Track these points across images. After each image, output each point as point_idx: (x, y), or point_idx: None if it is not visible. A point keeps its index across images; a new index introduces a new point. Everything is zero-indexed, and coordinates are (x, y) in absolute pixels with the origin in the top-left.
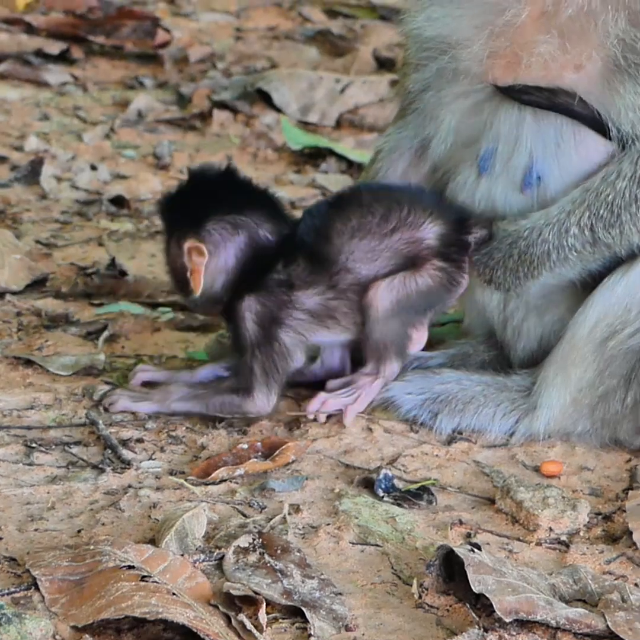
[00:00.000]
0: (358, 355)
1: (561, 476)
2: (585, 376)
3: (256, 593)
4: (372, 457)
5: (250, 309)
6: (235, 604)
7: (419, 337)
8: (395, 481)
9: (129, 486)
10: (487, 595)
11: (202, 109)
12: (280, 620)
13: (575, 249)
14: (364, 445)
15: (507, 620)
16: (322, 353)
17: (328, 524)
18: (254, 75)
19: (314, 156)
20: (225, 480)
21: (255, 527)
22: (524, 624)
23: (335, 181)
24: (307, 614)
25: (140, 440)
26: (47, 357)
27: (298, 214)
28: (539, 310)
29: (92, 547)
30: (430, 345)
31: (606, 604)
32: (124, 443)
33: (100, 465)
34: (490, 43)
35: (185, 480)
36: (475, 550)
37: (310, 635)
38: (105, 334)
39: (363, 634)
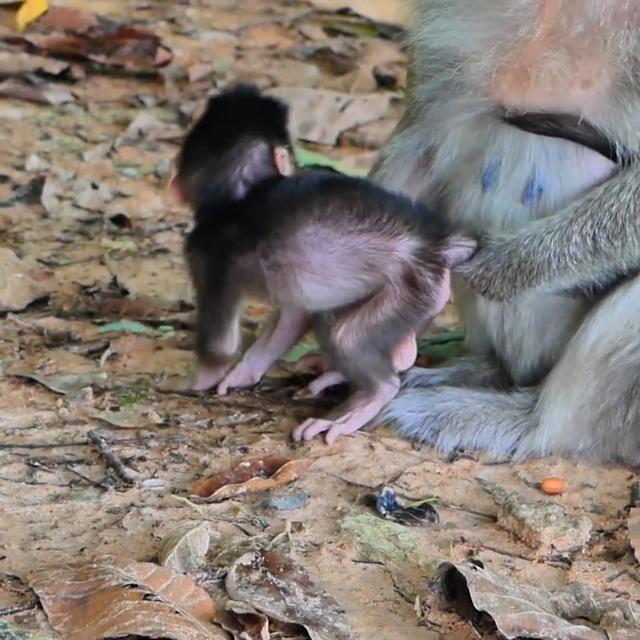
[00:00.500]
0: None
1: (563, 493)
2: (586, 393)
3: (259, 611)
4: (374, 475)
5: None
6: (238, 622)
7: (407, 354)
8: (398, 499)
9: (132, 505)
10: (489, 612)
11: None
12: (283, 639)
13: (576, 257)
14: (366, 463)
15: (510, 637)
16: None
17: (330, 542)
18: None
19: None
20: (227, 499)
21: (257, 545)
22: None
23: None
24: (310, 632)
25: (142, 459)
26: (49, 375)
27: None
28: (538, 329)
29: (95, 565)
30: (431, 363)
31: (608, 621)
32: (127, 461)
33: (102, 484)
34: (499, 58)
35: (188, 498)
36: (478, 567)
37: None
38: (107, 352)
39: None
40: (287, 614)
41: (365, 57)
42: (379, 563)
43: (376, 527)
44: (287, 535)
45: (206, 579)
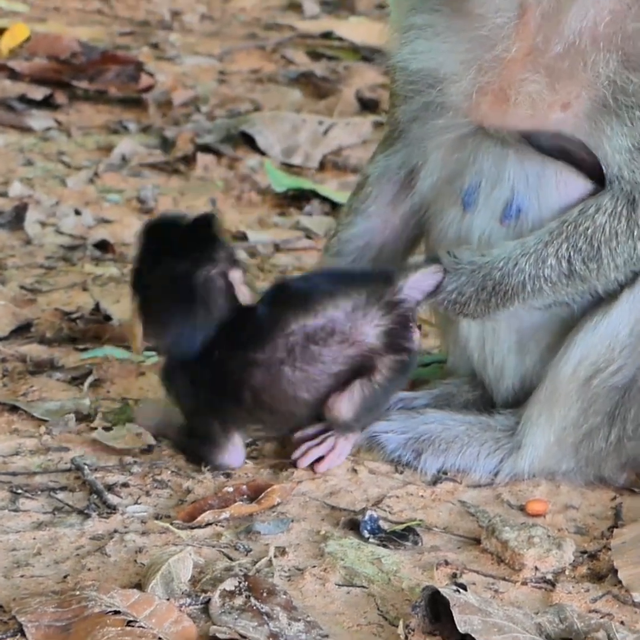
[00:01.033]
0: None
1: (546, 515)
2: (569, 415)
3: (242, 636)
4: (357, 499)
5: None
6: None
7: None
8: (381, 522)
9: (115, 531)
10: (473, 635)
11: (186, 153)
12: None
13: (550, 280)
14: (349, 486)
15: None
16: None
17: (314, 566)
18: (238, 118)
19: (298, 198)
20: (211, 524)
21: (241, 570)
22: None
23: (319, 223)
24: None
25: (125, 485)
26: (32, 402)
27: (282, 257)
28: (520, 351)
29: (78, 592)
30: (414, 386)
31: None
32: (110, 488)
33: (86, 511)
34: (478, 79)
35: (171, 524)
36: (461, 590)
37: None
38: (90, 378)
39: None
40: (271, 639)
41: (348, 80)
42: (363, 587)
43: (359, 551)
44: (270, 560)
45: (189, 604)
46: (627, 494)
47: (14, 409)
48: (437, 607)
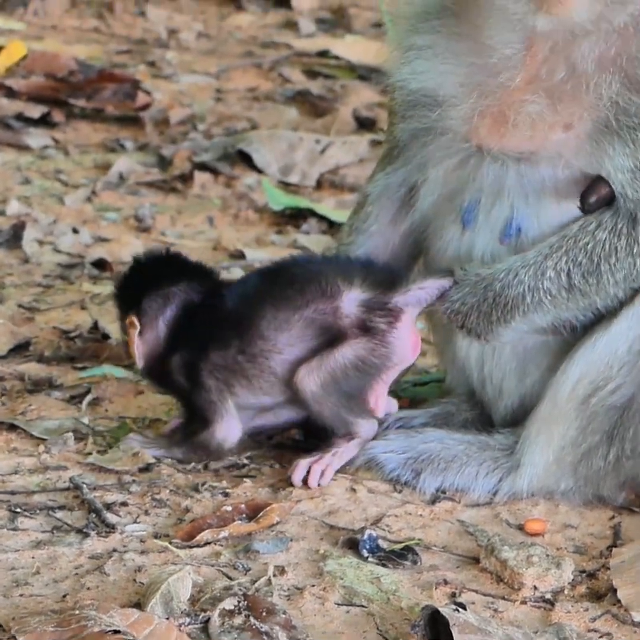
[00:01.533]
0: None
1: (545, 534)
2: (568, 434)
3: None
4: (356, 518)
5: (175, 363)
6: None
7: (380, 402)
8: (380, 541)
9: (114, 550)
10: None
11: (183, 171)
12: None
13: (550, 293)
14: (348, 505)
15: None
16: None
17: (313, 585)
18: (235, 137)
19: (295, 217)
20: (209, 543)
21: (240, 589)
22: None
23: (317, 242)
24: None
25: (124, 504)
26: (31, 421)
27: None
28: (519, 372)
29: (77, 611)
30: (413, 405)
31: None
32: (108, 507)
33: (84, 530)
34: (478, 103)
35: (170, 543)
36: (460, 609)
37: None
38: (89, 397)
39: None
40: None
41: (344, 99)
42: (362, 606)
43: (359, 570)
44: (269, 579)
45: (189, 624)
46: (626, 513)
47: (12, 427)
48: (436, 627)
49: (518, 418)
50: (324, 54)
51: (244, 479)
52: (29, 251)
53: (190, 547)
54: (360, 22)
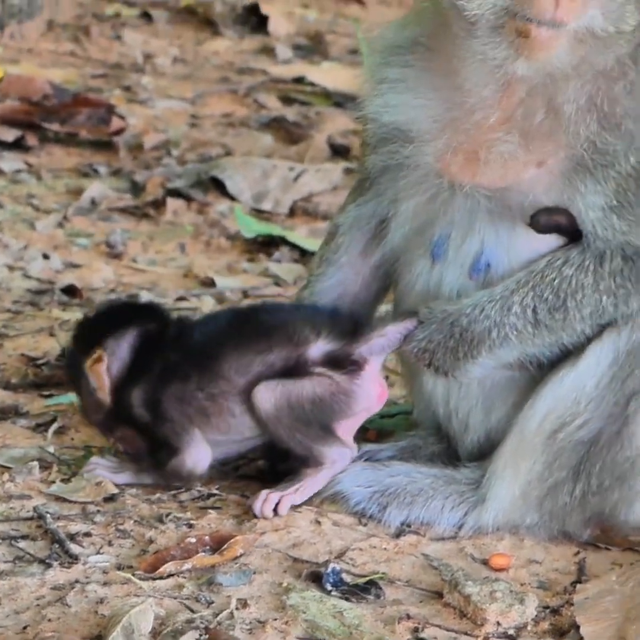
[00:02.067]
0: None
1: (510, 569)
2: (534, 468)
3: None
4: (320, 551)
5: (136, 397)
6: None
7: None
8: (344, 575)
9: (76, 581)
10: None
11: (156, 197)
12: None
13: (516, 328)
14: (313, 538)
15: None
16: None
17: (275, 619)
18: (208, 163)
19: (268, 244)
20: (173, 575)
21: (202, 622)
22: None
23: (288, 270)
24: None
25: (88, 534)
26: None
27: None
28: (485, 407)
29: None
30: (380, 437)
31: None
32: (72, 537)
33: (47, 560)
34: (451, 139)
35: (133, 575)
36: None
37: None
38: (55, 425)
39: None
40: None
41: (319, 125)
42: None
43: (322, 604)
44: (232, 613)
45: None
46: (591, 549)
47: None
48: None
49: (484, 452)
50: (300, 80)
51: (209, 510)
52: None
53: (153, 579)
54: (337, 48)
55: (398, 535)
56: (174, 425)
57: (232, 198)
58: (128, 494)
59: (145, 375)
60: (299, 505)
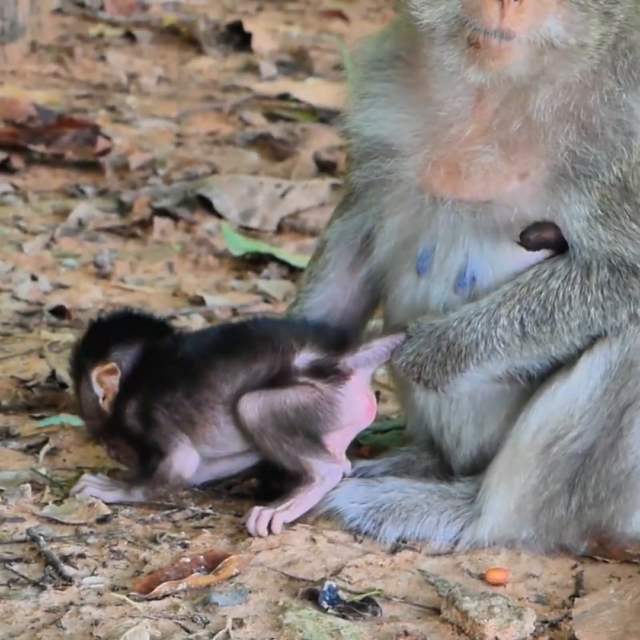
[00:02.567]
0: None
1: (507, 584)
2: (529, 482)
3: None
4: (316, 569)
5: (130, 408)
6: None
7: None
8: (340, 592)
9: (71, 603)
10: None
11: (143, 217)
12: None
13: (503, 341)
14: (308, 556)
15: None
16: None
17: (272, 638)
18: (195, 182)
19: (256, 262)
20: (168, 595)
21: None
22: None
23: (277, 287)
24: None
25: (82, 556)
26: None
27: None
28: (477, 421)
29: None
30: (373, 453)
31: None
32: (66, 559)
33: (41, 583)
34: (431, 154)
35: (128, 596)
36: None
37: None
38: (46, 447)
39: None
40: None
41: (305, 142)
42: None
43: (318, 622)
44: (228, 632)
45: None
46: (588, 562)
47: None
48: None
49: (477, 467)
50: (284, 97)
51: (203, 530)
52: None
53: (148, 599)
54: (321, 64)
55: (394, 551)
56: (162, 429)
57: (220, 216)
58: (121, 515)
59: (140, 385)
60: (293, 523)
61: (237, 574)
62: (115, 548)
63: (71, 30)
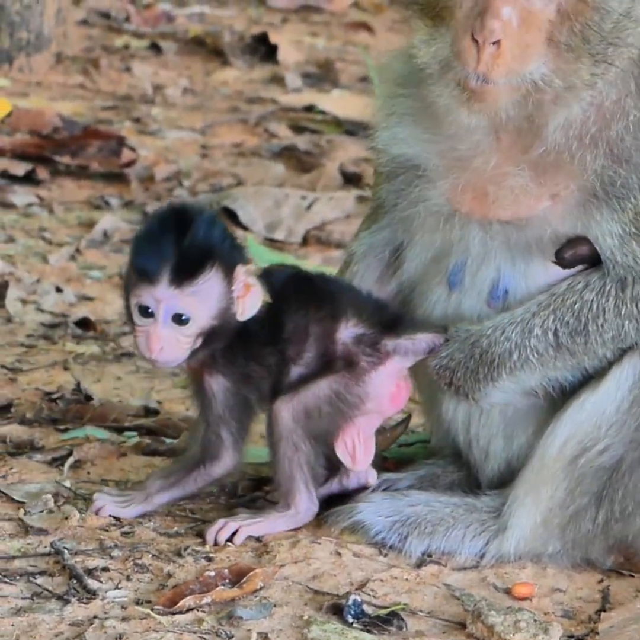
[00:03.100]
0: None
1: (533, 598)
2: (555, 495)
3: None
4: (341, 582)
5: (218, 382)
6: None
7: (360, 453)
8: (365, 606)
9: (95, 617)
10: None
11: None
12: None
13: (537, 351)
14: (333, 570)
15: None
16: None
17: None
18: (220, 193)
19: None
20: (192, 609)
21: None
22: None
23: None
24: None
25: (106, 569)
26: (11, 484)
27: None
28: (506, 435)
29: None
30: (399, 466)
31: None
32: (90, 572)
33: (65, 596)
34: (457, 177)
35: (152, 609)
36: None
37: None
38: (71, 460)
39: None
40: None
41: (331, 154)
42: None
43: (343, 636)
44: None
45: None
46: (614, 577)
47: None
48: None
49: (505, 480)
50: (310, 108)
51: (227, 543)
52: (12, 310)
53: (173, 613)
54: (346, 76)
55: (419, 565)
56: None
57: (245, 228)
58: (145, 528)
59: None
60: (318, 537)
61: (261, 588)
62: (139, 561)
63: (97, 42)
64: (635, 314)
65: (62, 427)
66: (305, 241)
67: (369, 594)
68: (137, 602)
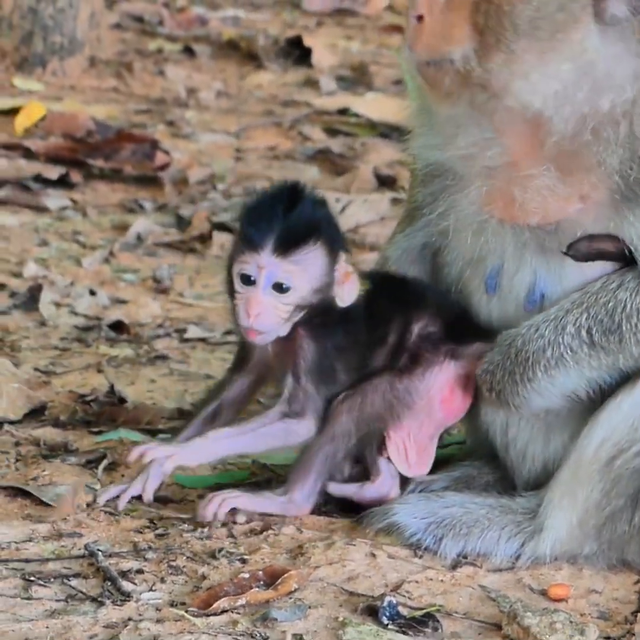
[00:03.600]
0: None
1: (569, 599)
2: (591, 496)
3: None
4: (376, 584)
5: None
6: None
7: (417, 458)
8: (400, 608)
9: (129, 619)
10: None
11: (202, 231)
12: None
13: (571, 348)
14: (368, 571)
15: None
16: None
17: None
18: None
19: None
20: (226, 611)
21: None
22: None
23: None
24: None
25: (140, 571)
26: (43, 486)
27: None
28: (544, 437)
29: None
30: (433, 468)
31: None
32: (124, 574)
33: (99, 598)
34: (485, 182)
35: (186, 611)
36: None
37: None
38: (104, 463)
39: None
40: None
41: (365, 156)
42: None
43: (378, 638)
44: None
45: None
46: None
47: (27, 493)
48: None
49: (541, 481)
50: (344, 111)
51: (262, 545)
52: (46, 314)
53: (207, 615)
54: (380, 79)
55: (454, 566)
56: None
57: None
58: (179, 530)
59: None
60: (353, 539)
61: (296, 590)
62: (173, 563)
63: (130, 45)
64: None
65: (95, 429)
66: None
67: (404, 596)
68: (172, 604)
